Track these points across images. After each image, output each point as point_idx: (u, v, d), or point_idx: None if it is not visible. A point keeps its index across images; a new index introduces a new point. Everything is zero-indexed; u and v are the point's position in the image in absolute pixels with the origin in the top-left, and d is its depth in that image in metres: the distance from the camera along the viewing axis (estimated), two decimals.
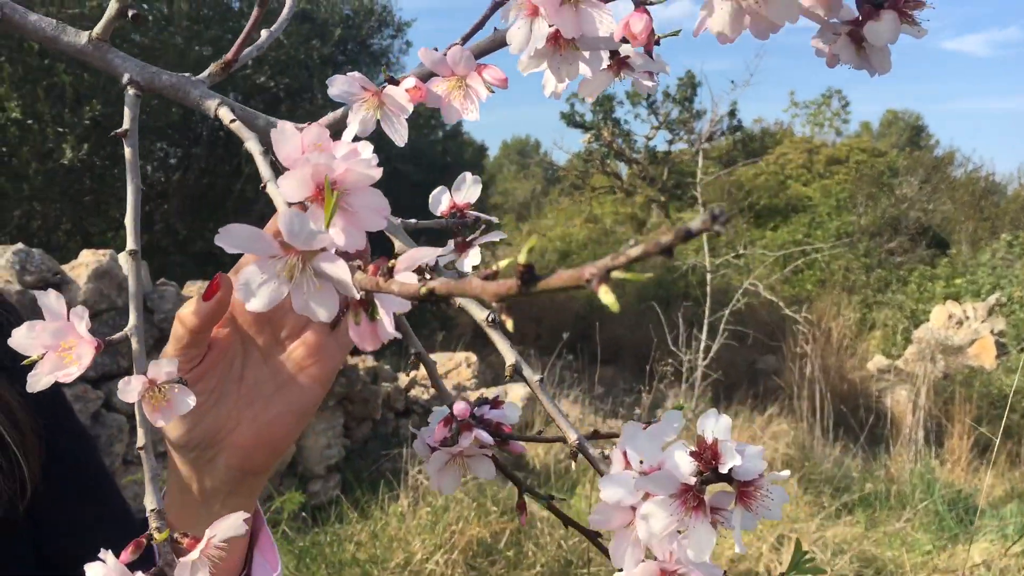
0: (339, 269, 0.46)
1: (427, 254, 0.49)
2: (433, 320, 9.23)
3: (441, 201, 0.78)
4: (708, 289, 6.81)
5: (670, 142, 15.62)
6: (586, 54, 0.65)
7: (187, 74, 0.70)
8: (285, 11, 0.83)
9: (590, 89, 0.71)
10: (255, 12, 0.72)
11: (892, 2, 0.56)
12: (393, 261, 0.48)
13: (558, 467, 5.26)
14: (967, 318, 9.82)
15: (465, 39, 0.72)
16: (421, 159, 9.36)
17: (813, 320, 7.31)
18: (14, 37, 5.35)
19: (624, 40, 0.60)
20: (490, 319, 0.69)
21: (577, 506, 4.51)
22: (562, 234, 12.84)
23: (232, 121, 0.66)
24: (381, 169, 0.52)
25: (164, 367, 0.58)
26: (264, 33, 0.82)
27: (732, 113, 14.39)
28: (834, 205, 11.93)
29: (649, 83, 0.72)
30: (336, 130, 0.72)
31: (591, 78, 0.69)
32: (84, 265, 4.14)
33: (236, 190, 7.20)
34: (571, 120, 15.65)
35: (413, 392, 5.90)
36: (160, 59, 6.47)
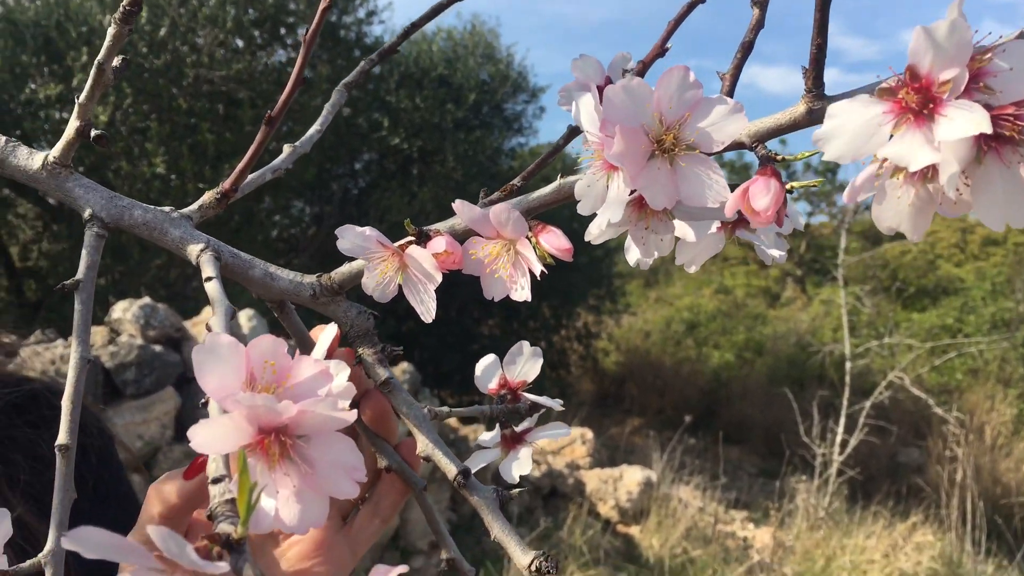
0: None
1: None
2: (551, 388, 9.02)
3: (490, 377, 0.60)
4: (847, 378, 6.32)
5: (809, 214, 15.03)
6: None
7: (167, 208, 0.56)
8: (315, 126, 0.68)
9: (690, 256, 0.52)
10: (261, 132, 0.57)
11: None
12: None
13: (673, 563, 4.91)
14: None
15: (527, 177, 0.55)
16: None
17: (965, 420, 6.67)
18: (150, 92, 5.60)
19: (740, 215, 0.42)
20: (534, 568, 0.50)
21: None
22: (690, 304, 12.40)
23: (209, 280, 0.51)
24: (355, 412, 0.35)
25: None
26: (286, 149, 0.67)
27: None
28: (989, 289, 11.04)
29: (776, 252, 0.53)
30: (349, 288, 0.55)
31: (692, 243, 0.50)
32: (204, 322, 4.18)
33: None
34: None
35: None
36: (302, 120, 6.67)
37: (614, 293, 10.88)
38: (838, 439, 5.98)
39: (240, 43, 6.30)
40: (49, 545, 0.47)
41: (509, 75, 8.74)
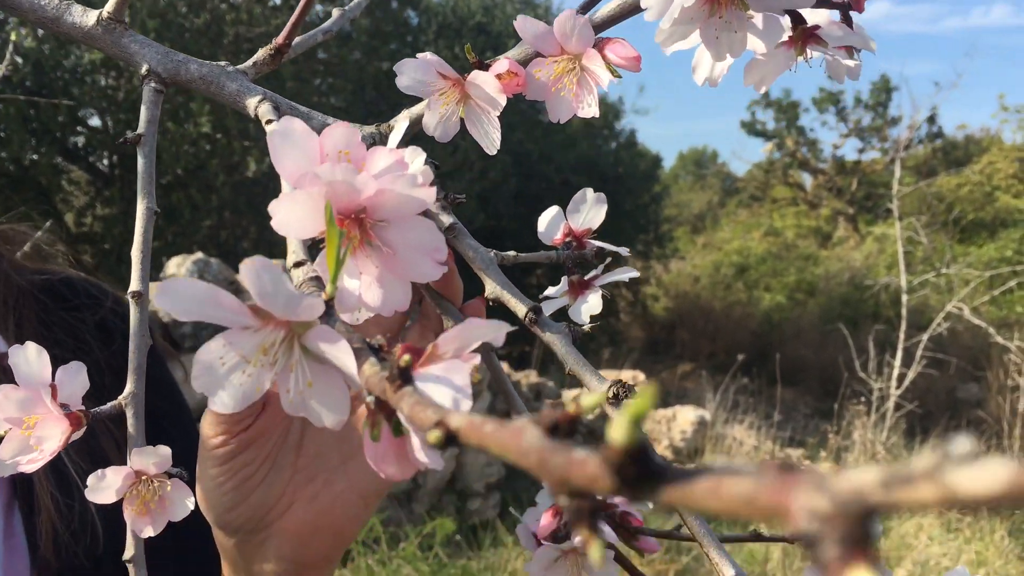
0: (340, 353, 0.30)
1: (487, 332, 0.31)
2: (600, 335, 9.02)
3: (555, 228, 0.60)
4: (903, 311, 6.21)
5: (860, 150, 14.67)
6: (757, 17, 0.44)
7: (223, 63, 0.56)
8: None
9: (760, 75, 0.50)
10: None
11: None
12: (433, 345, 0.30)
13: None
14: None
15: (585, 8, 0.54)
16: (593, 170, 9.19)
17: None
18: (192, 52, 5.63)
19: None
20: (612, 395, 0.50)
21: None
22: (740, 248, 12.26)
23: (270, 122, 0.51)
24: (433, 190, 0.35)
25: (152, 456, 0.43)
26: (335, 12, 0.67)
27: (932, 119, 13.32)
28: None
29: (850, 62, 0.51)
30: (408, 137, 0.55)
31: (763, 58, 0.49)
32: None
33: None
34: (751, 129, 15.00)
35: None
36: (339, 75, 6.67)
37: (662, 238, 10.79)
38: (895, 373, 5.89)
39: None
40: (129, 387, 0.48)
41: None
